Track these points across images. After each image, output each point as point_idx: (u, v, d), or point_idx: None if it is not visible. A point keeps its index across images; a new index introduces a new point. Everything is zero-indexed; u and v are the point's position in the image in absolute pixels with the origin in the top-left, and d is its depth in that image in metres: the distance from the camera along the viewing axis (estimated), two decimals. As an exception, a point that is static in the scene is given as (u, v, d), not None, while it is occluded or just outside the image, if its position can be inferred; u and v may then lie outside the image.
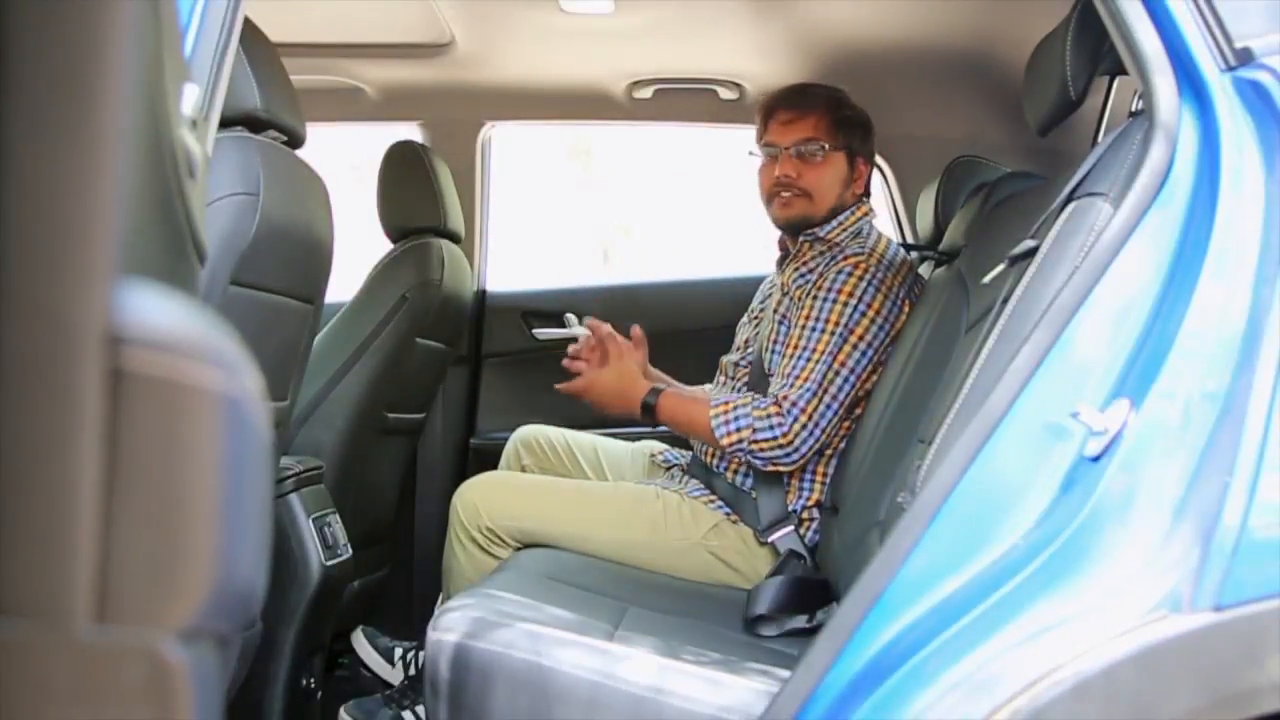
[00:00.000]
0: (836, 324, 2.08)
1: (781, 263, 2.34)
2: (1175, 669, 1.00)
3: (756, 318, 2.34)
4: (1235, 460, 1.04)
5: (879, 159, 2.84)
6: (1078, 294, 1.16)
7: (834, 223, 2.25)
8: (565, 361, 2.28)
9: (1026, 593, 1.07)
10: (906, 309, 2.14)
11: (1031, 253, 1.31)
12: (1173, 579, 1.02)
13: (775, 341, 2.19)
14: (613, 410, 2.21)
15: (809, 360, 2.08)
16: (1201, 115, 1.19)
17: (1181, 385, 1.09)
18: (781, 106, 2.28)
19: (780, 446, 2.05)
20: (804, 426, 2.04)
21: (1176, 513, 1.04)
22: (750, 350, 2.29)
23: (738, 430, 2.06)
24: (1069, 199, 1.29)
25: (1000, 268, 1.40)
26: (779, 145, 2.25)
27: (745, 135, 3.28)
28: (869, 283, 2.11)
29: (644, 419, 2.18)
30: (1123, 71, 1.33)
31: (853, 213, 2.26)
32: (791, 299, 2.20)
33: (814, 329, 2.10)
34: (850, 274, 2.11)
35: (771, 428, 2.05)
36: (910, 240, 2.72)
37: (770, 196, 2.28)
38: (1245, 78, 1.18)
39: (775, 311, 2.23)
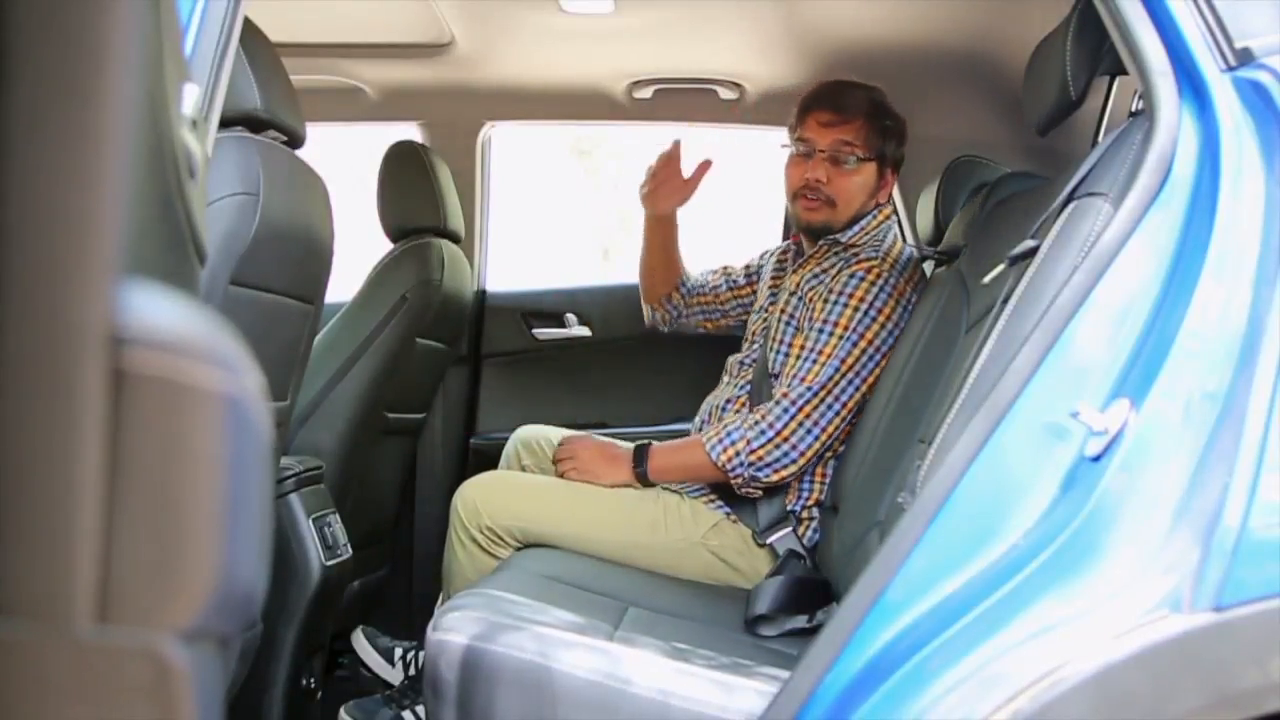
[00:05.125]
0: (847, 328, 2.08)
1: (795, 259, 2.34)
2: (1176, 669, 1.00)
3: (765, 311, 2.33)
4: (1235, 460, 1.04)
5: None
6: (1078, 294, 1.16)
7: (856, 228, 2.24)
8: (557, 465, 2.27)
9: (1027, 593, 1.07)
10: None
11: (1031, 253, 1.31)
12: (1173, 579, 1.02)
13: (781, 342, 2.19)
14: (605, 476, 2.19)
15: (815, 362, 2.07)
16: (1201, 115, 1.19)
17: (1181, 385, 1.09)
18: (823, 106, 2.22)
19: (777, 445, 2.04)
20: (800, 424, 2.04)
21: (1176, 513, 1.04)
22: (755, 347, 2.29)
23: (732, 444, 2.06)
24: (1069, 199, 1.29)
25: (1000, 268, 1.40)
26: (814, 145, 2.21)
27: (746, 135, 3.27)
28: (881, 288, 2.10)
29: (639, 478, 2.17)
30: (1123, 71, 1.33)
31: (874, 217, 2.25)
32: (802, 299, 2.19)
33: (824, 331, 2.09)
34: (863, 279, 2.10)
35: (763, 432, 2.05)
36: (910, 240, 2.72)
37: (795, 195, 2.25)
38: (1245, 78, 1.18)
39: (783, 312, 2.22)
